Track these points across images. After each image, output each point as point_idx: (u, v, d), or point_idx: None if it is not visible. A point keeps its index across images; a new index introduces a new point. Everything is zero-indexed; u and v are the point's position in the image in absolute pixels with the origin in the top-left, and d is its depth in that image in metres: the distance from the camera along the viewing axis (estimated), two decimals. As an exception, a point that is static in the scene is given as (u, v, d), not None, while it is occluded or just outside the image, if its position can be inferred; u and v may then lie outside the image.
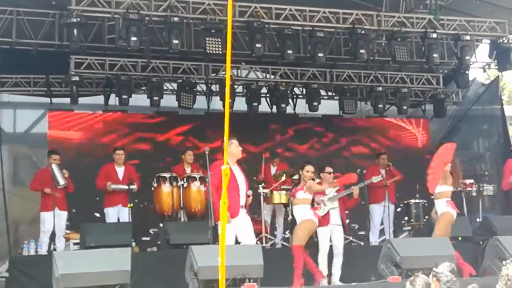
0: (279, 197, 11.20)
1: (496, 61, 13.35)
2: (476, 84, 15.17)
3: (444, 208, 9.22)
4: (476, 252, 10.37)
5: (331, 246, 9.73)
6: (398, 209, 12.11)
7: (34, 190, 10.96)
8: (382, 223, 12.18)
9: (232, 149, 8.11)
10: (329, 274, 9.59)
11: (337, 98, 14.37)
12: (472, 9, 12.60)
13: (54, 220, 10.39)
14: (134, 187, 10.91)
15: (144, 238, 11.77)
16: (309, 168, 9.34)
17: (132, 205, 10.73)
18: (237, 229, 8.03)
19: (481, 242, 10.59)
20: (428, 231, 10.59)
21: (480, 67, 14.22)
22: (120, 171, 11.18)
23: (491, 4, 12.24)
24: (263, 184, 11.44)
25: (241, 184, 8.17)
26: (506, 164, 10.75)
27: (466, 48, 12.46)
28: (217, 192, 7.85)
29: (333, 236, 9.69)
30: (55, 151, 11.07)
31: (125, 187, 10.87)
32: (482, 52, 14.15)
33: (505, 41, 13.02)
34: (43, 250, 10.32)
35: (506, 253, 7.95)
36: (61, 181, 10.51)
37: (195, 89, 13.40)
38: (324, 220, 9.56)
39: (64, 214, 10.76)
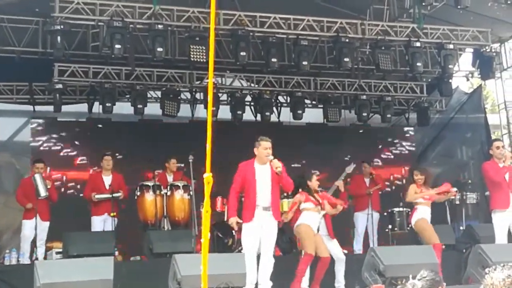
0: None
1: (479, 70, 13.46)
2: (459, 93, 15.25)
3: None
4: (460, 260, 10.40)
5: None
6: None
7: (19, 203, 10.86)
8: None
9: (259, 150, 8.04)
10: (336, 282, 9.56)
11: (321, 106, 14.39)
12: (455, 18, 12.68)
13: (35, 229, 10.29)
14: (118, 194, 10.84)
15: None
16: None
17: (114, 213, 10.66)
18: (259, 233, 7.98)
19: (464, 250, 10.63)
20: (411, 239, 10.65)
21: (463, 76, 14.34)
22: (107, 179, 11.06)
23: (474, 13, 12.31)
24: None
25: (261, 186, 7.98)
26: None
27: (449, 56, 12.53)
28: (233, 191, 8.06)
29: (330, 246, 9.54)
30: (39, 160, 10.97)
31: (109, 195, 10.79)
32: (465, 61, 14.27)
33: (488, 50, 13.14)
34: (24, 259, 10.24)
35: (489, 261, 7.96)
36: (42, 193, 10.36)
37: (179, 97, 13.37)
38: None
39: (46, 224, 10.65)
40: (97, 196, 10.83)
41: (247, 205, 8.06)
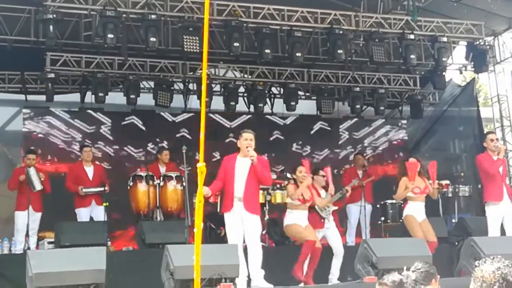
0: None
1: (472, 63, 13.47)
2: (452, 86, 15.26)
3: None
4: (452, 252, 10.42)
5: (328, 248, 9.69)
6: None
7: (12, 189, 10.78)
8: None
9: (241, 142, 8.14)
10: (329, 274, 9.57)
11: (315, 98, 14.38)
12: (449, 11, 12.69)
13: (28, 219, 10.23)
14: (106, 188, 10.79)
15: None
16: (301, 169, 9.27)
17: (107, 203, 10.61)
18: (240, 224, 8.02)
19: (456, 243, 10.65)
20: (404, 231, 10.65)
21: (456, 69, 14.34)
22: (90, 170, 10.97)
23: (467, 6, 12.33)
24: None
25: (238, 177, 8.06)
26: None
27: (443, 49, 12.54)
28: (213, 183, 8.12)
29: (330, 238, 9.62)
30: (31, 151, 10.84)
31: (98, 189, 10.73)
32: (458, 53, 14.28)
33: (482, 43, 13.15)
34: (17, 249, 10.20)
35: (481, 253, 7.96)
36: (37, 186, 10.29)
37: (172, 88, 13.34)
38: (319, 223, 9.52)
39: (38, 215, 10.59)
40: (84, 190, 10.73)
41: (226, 196, 8.17)
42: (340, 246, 9.68)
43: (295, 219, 9.07)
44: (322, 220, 9.51)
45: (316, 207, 9.50)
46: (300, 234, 9.10)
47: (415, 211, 9.37)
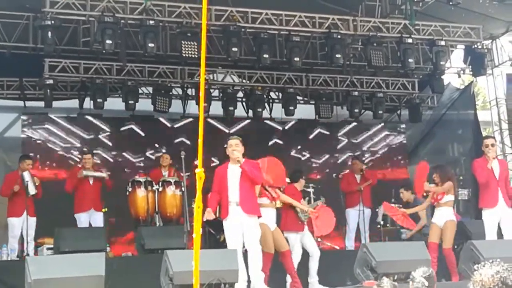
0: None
1: (470, 66, 13.48)
2: (450, 89, 15.26)
3: (452, 216, 9.56)
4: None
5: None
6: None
7: (6, 196, 10.76)
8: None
9: (228, 150, 8.21)
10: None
11: (313, 102, 14.39)
12: (447, 15, 12.70)
13: (26, 225, 10.20)
14: (105, 175, 10.84)
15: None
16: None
17: (106, 209, 10.62)
18: (239, 229, 8.03)
19: (455, 247, 10.64)
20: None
21: (454, 73, 14.34)
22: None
23: (465, 10, 12.34)
24: None
25: (232, 183, 8.11)
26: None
27: (441, 53, 12.56)
28: (212, 192, 8.21)
29: (305, 241, 9.63)
30: (28, 156, 10.86)
31: (98, 173, 10.79)
32: (456, 57, 14.29)
33: (479, 47, 13.16)
34: (15, 255, 10.17)
35: (481, 257, 7.97)
36: (32, 191, 10.28)
37: (170, 93, 13.35)
38: (300, 226, 9.53)
39: (33, 219, 10.55)
40: (85, 172, 10.77)
41: (222, 203, 8.21)
42: (316, 248, 9.68)
43: (264, 218, 8.65)
44: (300, 222, 9.50)
45: (297, 209, 9.46)
46: (266, 240, 8.64)
47: (435, 218, 9.47)
